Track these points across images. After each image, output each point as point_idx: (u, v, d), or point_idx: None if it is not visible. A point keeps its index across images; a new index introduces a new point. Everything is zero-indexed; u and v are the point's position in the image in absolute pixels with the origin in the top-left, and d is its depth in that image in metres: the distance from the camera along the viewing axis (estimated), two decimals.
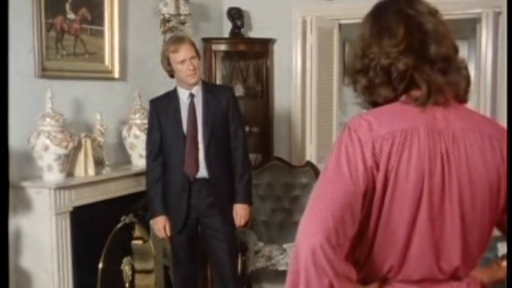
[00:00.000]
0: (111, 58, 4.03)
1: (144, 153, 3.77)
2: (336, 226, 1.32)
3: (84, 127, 3.75)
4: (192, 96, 3.60)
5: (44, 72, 3.50)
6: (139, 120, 3.96)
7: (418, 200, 1.36)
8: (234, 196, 3.69)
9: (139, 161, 3.96)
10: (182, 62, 3.48)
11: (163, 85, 3.89)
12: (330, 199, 1.33)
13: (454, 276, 1.44)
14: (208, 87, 3.71)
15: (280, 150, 5.23)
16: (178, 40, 3.53)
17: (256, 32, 5.33)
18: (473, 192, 1.39)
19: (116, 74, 4.07)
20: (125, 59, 4.19)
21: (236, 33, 5.22)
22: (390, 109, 1.40)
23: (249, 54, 5.28)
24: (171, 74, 3.61)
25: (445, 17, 1.50)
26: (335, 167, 1.36)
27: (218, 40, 5.20)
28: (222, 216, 3.66)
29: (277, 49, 5.30)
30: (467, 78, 1.43)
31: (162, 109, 3.62)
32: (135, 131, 3.95)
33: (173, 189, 3.63)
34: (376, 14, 1.41)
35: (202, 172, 3.60)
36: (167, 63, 3.56)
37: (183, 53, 3.48)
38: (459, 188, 1.38)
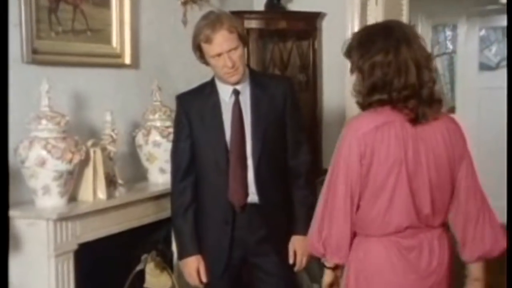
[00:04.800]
0: (120, 37, 3.96)
1: (166, 166, 3.69)
2: None
3: (86, 132, 3.66)
4: (236, 93, 3.36)
5: (35, 56, 3.39)
6: (160, 122, 3.88)
7: (399, 167, 2.40)
8: (292, 226, 3.48)
9: (159, 178, 3.92)
10: (218, 56, 3.26)
11: (191, 72, 3.96)
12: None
13: (428, 224, 2.50)
14: (258, 79, 3.50)
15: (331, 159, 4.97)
16: (211, 24, 3.25)
17: (299, 3, 5.28)
18: (437, 162, 2.45)
19: (127, 59, 4.02)
20: (138, 39, 4.14)
21: (274, 5, 5.19)
22: (377, 110, 2.46)
23: (291, 33, 5.23)
24: (208, 64, 3.42)
25: None
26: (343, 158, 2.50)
27: (250, 14, 5.07)
28: (277, 255, 3.43)
29: (327, 26, 5.24)
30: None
31: (196, 110, 3.40)
32: (155, 136, 3.85)
33: (211, 221, 3.42)
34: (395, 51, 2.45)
35: (252, 197, 3.39)
36: (199, 54, 3.34)
37: (219, 44, 3.22)
38: (426, 159, 2.43)
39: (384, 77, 2.41)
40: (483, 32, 8.42)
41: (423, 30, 8.62)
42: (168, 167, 3.61)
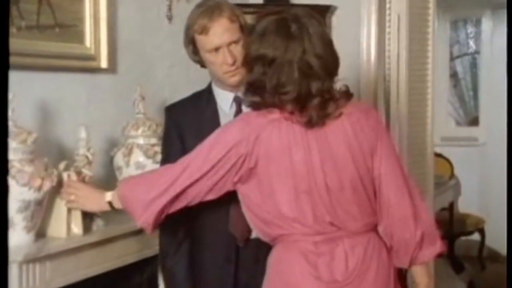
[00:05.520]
0: (95, 35, 3.93)
1: None
2: None
3: (55, 151, 3.61)
4: (238, 102, 3.29)
5: None
6: (144, 139, 3.81)
7: (284, 174, 2.56)
8: None
9: None
10: (215, 50, 3.17)
11: (178, 77, 4.07)
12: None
13: (342, 230, 2.62)
14: None
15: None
16: (209, 12, 3.17)
17: None
18: (336, 163, 2.57)
19: (103, 62, 3.98)
20: (116, 37, 4.12)
21: None
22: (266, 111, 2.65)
23: None
24: (203, 65, 3.34)
25: None
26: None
27: (247, 8, 4.92)
28: None
29: (338, 22, 5.13)
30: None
31: (189, 124, 3.33)
32: (138, 157, 3.77)
33: (209, 258, 3.36)
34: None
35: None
36: (192, 48, 3.25)
37: (217, 35, 3.14)
38: (321, 162, 2.55)
39: (260, 76, 2.58)
40: None
41: (440, 26, 8.51)
42: None
